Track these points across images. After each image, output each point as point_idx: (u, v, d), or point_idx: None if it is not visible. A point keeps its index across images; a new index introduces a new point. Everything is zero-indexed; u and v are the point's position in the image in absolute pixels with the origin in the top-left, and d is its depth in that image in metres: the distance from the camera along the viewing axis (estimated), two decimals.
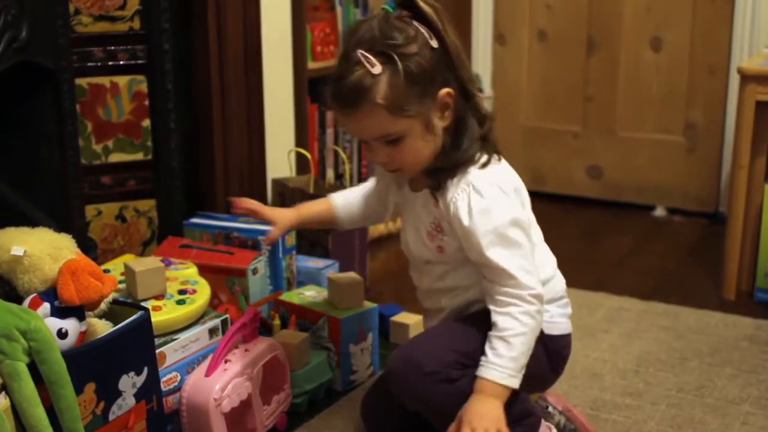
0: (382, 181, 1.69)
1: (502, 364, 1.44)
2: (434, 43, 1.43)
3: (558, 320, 1.59)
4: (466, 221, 1.46)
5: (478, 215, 1.45)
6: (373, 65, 1.40)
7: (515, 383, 1.45)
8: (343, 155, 2.76)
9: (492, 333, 1.46)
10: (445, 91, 1.45)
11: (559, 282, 1.62)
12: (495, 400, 1.44)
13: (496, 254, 1.45)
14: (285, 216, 1.76)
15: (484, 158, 1.50)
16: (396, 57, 1.40)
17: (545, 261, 1.60)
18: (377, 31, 1.42)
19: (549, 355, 1.57)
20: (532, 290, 1.45)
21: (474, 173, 1.48)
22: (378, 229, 2.87)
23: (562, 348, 1.61)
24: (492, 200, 1.46)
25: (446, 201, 1.49)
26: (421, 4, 1.44)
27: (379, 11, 1.46)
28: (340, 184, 2.83)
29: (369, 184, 1.77)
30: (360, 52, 1.40)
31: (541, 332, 1.51)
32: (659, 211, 3.18)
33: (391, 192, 1.66)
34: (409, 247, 1.62)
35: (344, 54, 1.44)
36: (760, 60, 2.42)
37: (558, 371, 1.64)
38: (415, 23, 1.43)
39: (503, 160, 1.55)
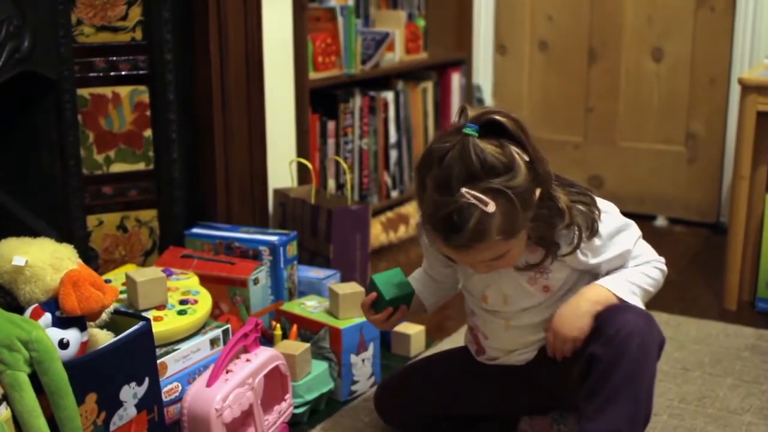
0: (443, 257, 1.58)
1: (626, 281, 1.51)
2: (526, 157, 1.39)
3: None
4: (596, 241, 1.50)
5: (606, 235, 1.51)
6: (486, 204, 1.34)
7: (620, 291, 1.49)
8: (344, 165, 2.76)
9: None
10: (537, 193, 1.42)
11: None
12: (590, 306, 1.47)
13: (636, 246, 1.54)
14: None
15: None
16: (507, 191, 1.35)
17: None
18: (477, 165, 1.35)
19: None
20: (661, 261, 1.56)
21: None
22: (379, 240, 2.87)
23: None
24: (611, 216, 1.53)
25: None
26: (507, 124, 1.39)
27: (461, 137, 1.38)
28: (341, 194, 2.83)
29: (424, 265, 1.71)
30: (468, 192, 1.34)
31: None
32: (660, 221, 3.18)
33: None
34: (505, 301, 1.56)
35: (445, 192, 1.37)
36: (760, 70, 2.42)
37: None
38: (504, 142, 1.38)
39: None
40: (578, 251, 1.49)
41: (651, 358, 1.46)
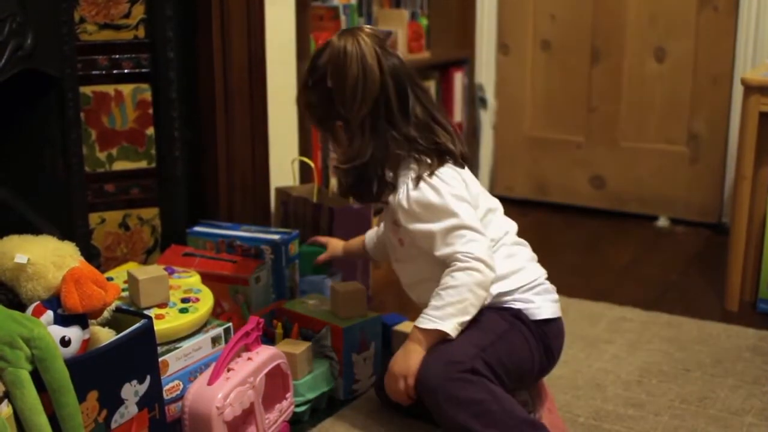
0: None
1: (427, 312, 1.62)
2: (329, 83, 1.65)
3: (540, 304, 1.68)
4: (404, 204, 1.64)
5: (415, 194, 1.63)
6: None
7: (433, 326, 1.60)
8: None
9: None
10: (337, 123, 1.68)
11: (532, 271, 1.71)
12: (414, 345, 1.61)
13: (436, 226, 1.62)
14: (335, 244, 2.14)
15: (413, 175, 1.65)
16: (301, 82, 1.74)
17: (513, 254, 1.71)
18: (315, 55, 1.71)
19: (537, 340, 1.66)
20: (470, 254, 1.58)
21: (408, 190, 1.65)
22: None
23: (550, 332, 1.69)
24: (428, 184, 1.63)
25: (393, 198, 1.68)
26: (332, 44, 1.65)
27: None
28: None
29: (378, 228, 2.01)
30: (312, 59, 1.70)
31: (526, 318, 1.65)
32: (662, 222, 3.18)
33: None
34: (387, 245, 1.82)
35: None
36: (763, 71, 2.42)
37: (551, 358, 1.71)
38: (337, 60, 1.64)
39: (444, 172, 1.66)
40: (396, 207, 1.66)
41: (461, 400, 1.54)
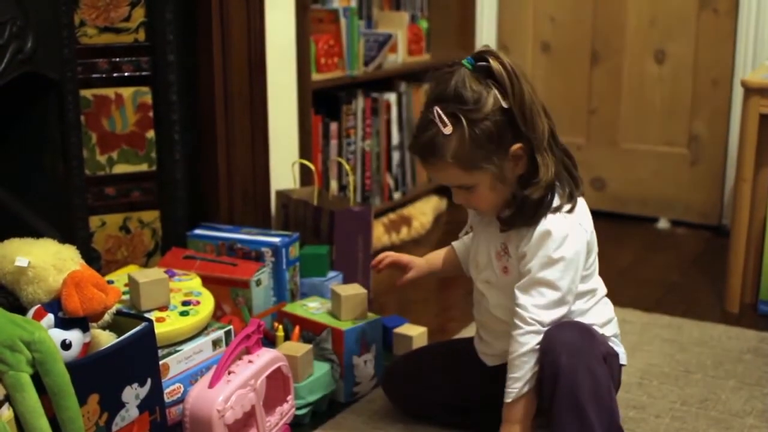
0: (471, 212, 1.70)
1: (510, 386, 1.54)
2: (505, 104, 1.48)
3: (623, 352, 1.65)
4: (524, 246, 1.53)
5: (537, 237, 1.51)
6: (444, 125, 1.47)
7: (521, 393, 1.53)
8: (346, 167, 2.77)
9: None
10: (516, 146, 1.50)
11: (617, 324, 1.67)
12: (510, 426, 1.54)
13: (536, 268, 1.52)
14: (419, 262, 1.85)
15: (557, 202, 1.54)
16: (464, 121, 1.46)
17: (607, 302, 1.68)
18: (453, 91, 1.48)
19: (617, 380, 1.64)
20: (536, 318, 1.51)
21: (548, 218, 1.53)
22: (381, 241, 2.87)
23: (620, 379, 1.67)
24: (555, 230, 1.52)
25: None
26: (494, 64, 1.48)
27: (458, 67, 1.51)
28: (343, 195, 2.83)
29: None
30: (436, 109, 1.48)
31: (619, 360, 1.62)
32: (662, 224, 3.18)
33: (471, 216, 1.70)
34: (477, 264, 1.66)
35: (426, 106, 1.53)
36: (763, 73, 2.42)
37: None
38: (491, 82, 1.48)
39: (580, 203, 1.59)
40: (522, 240, 1.53)
41: (586, 370, 1.48)
